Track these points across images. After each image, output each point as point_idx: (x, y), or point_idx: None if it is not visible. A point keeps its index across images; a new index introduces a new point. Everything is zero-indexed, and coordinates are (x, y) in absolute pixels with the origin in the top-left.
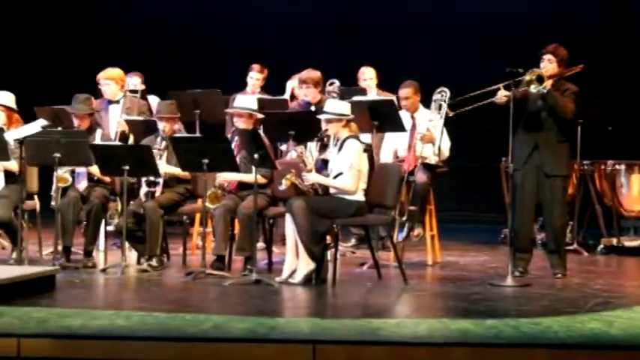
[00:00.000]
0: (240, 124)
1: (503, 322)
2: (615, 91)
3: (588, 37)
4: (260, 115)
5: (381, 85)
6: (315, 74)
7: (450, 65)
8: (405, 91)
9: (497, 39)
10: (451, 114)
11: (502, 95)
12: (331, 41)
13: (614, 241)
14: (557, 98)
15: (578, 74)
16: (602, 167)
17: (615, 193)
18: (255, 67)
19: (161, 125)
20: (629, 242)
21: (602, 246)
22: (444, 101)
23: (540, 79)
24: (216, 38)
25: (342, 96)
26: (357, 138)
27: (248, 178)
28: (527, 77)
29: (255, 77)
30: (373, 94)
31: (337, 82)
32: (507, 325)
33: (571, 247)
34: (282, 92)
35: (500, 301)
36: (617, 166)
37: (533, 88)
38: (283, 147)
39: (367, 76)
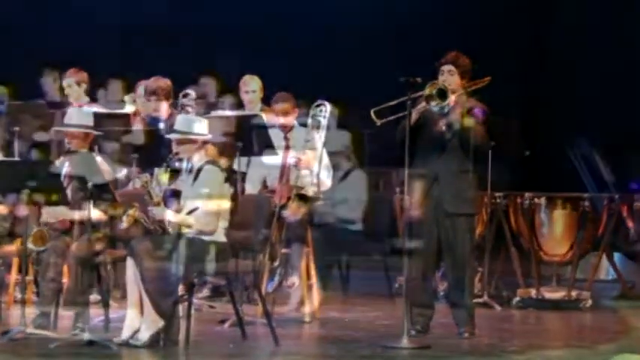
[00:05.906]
0: (73, 146)
1: None
2: (534, 109)
3: (502, 47)
4: (97, 133)
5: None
6: (165, 83)
7: (328, 74)
8: (284, 106)
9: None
10: (378, 123)
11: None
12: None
13: (533, 292)
14: (474, 130)
15: (488, 88)
16: (519, 201)
17: (534, 232)
18: (71, 72)
19: None
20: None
21: (518, 298)
22: (324, 117)
23: (442, 94)
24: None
25: (200, 111)
26: (217, 164)
27: (79, 214)
28: (426, 91)
29: (67, 84)
30: (256, 109)
31: (193, 94)
32: None
33: (480, 300)
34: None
35: None
36: (536, 200)
37: (434, 105)
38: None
39: (250, 87)
